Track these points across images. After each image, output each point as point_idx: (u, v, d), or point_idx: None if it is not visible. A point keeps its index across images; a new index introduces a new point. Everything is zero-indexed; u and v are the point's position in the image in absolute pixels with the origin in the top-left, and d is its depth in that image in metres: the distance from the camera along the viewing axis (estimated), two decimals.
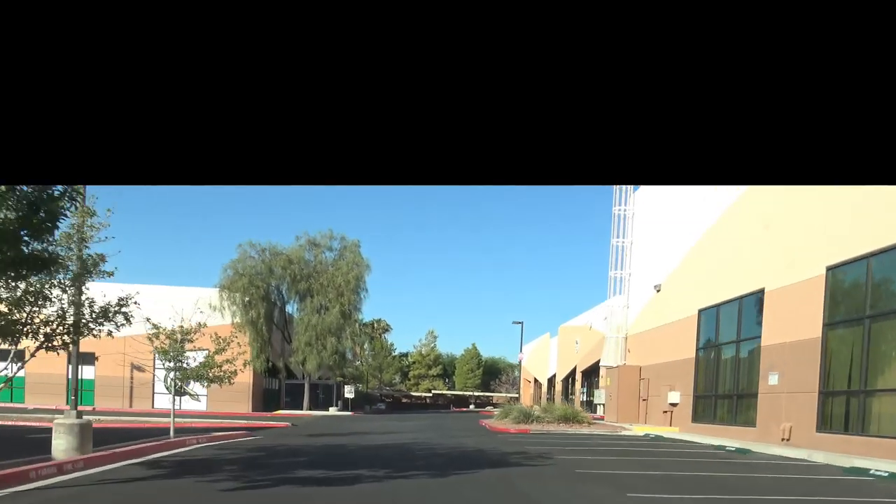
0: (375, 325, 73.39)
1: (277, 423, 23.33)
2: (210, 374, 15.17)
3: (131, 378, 34.46)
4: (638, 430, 20.67)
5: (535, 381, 58.47)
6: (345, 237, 36.34)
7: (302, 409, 35.67)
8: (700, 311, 19.57)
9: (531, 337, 59.36)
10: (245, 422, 23.41)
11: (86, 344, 13.95)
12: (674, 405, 21.05)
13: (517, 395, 66.10)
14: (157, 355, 14.80)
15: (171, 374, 15.12)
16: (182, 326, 14.73)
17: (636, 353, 25.38)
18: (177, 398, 35.30)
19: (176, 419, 24.61)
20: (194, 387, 35.31)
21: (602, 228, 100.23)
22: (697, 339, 19.72)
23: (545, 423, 21.56)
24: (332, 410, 37.35)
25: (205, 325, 14.95)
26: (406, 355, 79.78)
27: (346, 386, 38.91)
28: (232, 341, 15.18)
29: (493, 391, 72.77)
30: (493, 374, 77.37)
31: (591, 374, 38.72)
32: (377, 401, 54.26)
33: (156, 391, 34.32)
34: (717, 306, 18.47)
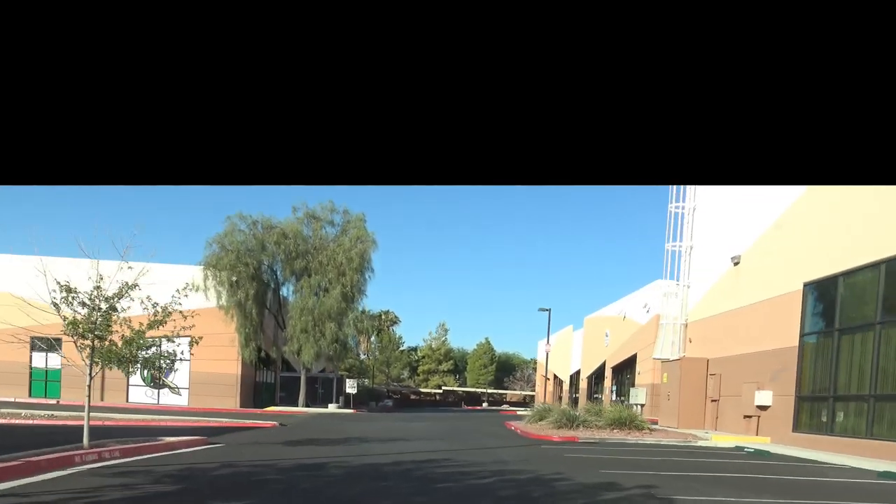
0: (383, 317, 69.23)
1: (263, 422, 19.03)
2: (139, 357, 10.75)
3: (102, 368, 30.24)
4: (717, 439, 15.99)
5: (555, 377, 53.79)
6: (347, 210, 31.80)
7: (297, 406, 31.28)
8: (806, 285, 14.86)
9: (550, 331, 54.54)
10: (225, 420, 19.18)
11: (50, 328, 10.61)
12: (762, 408, 16.36)
13: (533, 393, 61.57)
14: (67, 329, 10.33)
15: (87, 356, 10.84)
16: (99, 288, 10.27)
17: (701, 344, 20.66)
18: (155, 391, 29.43)
19: (138, 416, 20.32)
20: (174, 377, 29.61)
21: (620, 225, 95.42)
22: (802, 322, 15.00)
23: (594, 429, 16.96)
24: (332, 407, 32.96)
25: (136, 286, 10.46)
26: (415, 349, 75.33)
27: (347, 380, 34.44)
28: (172, 311, 10.69)
29: (506, 388, 68.58)
30: (507, 370, 73.05)
31: (624, 370, 34.40)
32: (383, 397, 50.14)
33: (130, 383, 30.25)
34: (837, 277, 13.76)
